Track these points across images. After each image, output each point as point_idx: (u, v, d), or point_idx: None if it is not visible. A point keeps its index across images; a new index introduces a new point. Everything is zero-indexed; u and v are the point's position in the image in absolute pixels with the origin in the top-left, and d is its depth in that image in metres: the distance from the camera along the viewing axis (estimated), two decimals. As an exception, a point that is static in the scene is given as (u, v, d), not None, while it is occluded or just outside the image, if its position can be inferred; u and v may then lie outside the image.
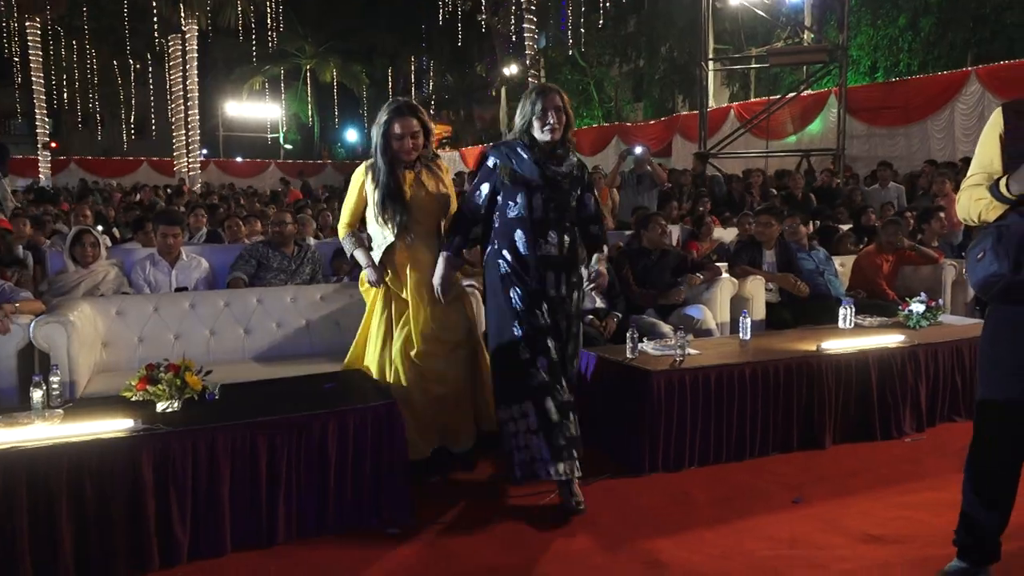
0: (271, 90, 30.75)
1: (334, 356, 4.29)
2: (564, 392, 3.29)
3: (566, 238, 3.34)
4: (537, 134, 3.32)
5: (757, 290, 5.40)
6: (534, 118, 3.30)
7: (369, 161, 3.57)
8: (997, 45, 14.55)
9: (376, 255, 3.58)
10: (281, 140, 32.55)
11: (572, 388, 3.39)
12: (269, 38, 25.18)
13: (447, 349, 3.55)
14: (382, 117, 3.45)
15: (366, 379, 3.53)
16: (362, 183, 3.57)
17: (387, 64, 30.70)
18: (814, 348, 4.14)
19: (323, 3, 28.29)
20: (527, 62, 21.78)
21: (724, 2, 16.24)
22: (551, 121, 3.27)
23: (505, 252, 3.32)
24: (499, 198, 3.38)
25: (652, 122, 20.87)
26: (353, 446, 3.04)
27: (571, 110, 3.35)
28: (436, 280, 3.46)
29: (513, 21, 22.72)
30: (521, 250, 3.30)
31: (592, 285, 3.51)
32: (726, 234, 7.31)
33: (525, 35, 21.28)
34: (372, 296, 3.66)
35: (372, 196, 3.51)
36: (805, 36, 15.41)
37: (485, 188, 3.41)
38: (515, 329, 3.28)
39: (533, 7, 20.98)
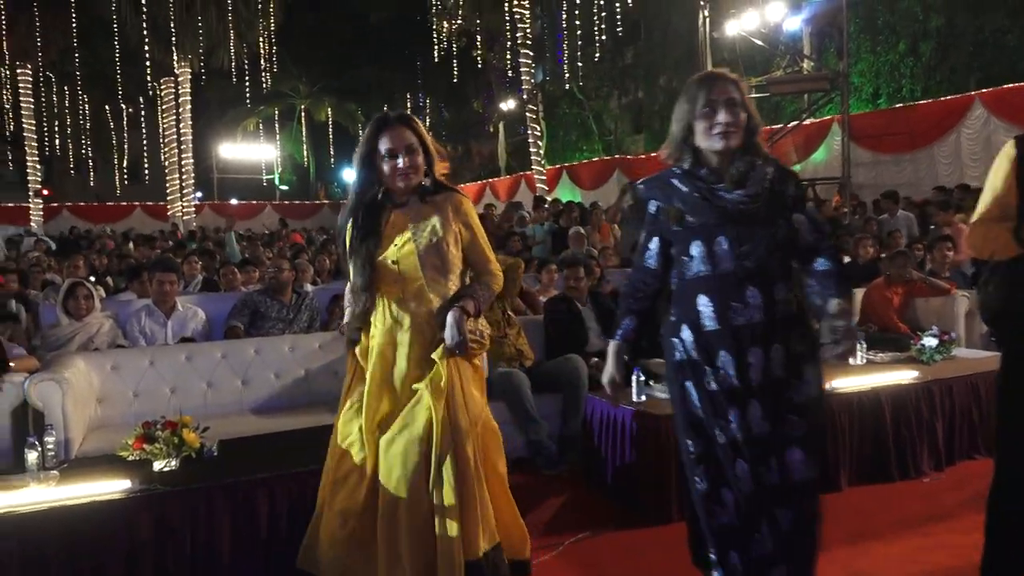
0: (265, 131, 31.09)
1: (334, 406, 4.28)
2: (770, 541, 2.29)
3: (776, 292, 2.29)
4: (702, 142, 2.32)
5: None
6: (696, 120, 2.31)
7: (350, 204, 2.71)
8: (998, 68, 14.73)
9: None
10: (276, 181, 32.82)
11: (807, 540, 2.34)
12: (263, 79, 25.54)
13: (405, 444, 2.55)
14: (364, 136, 2.66)
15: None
16: (343, 233, 2.71)
17: (382, 101, 31.07)
18: (825, 387, 4.14)
19: (316, 42, 28.72)
20: (524, 96, 22.04)
21: (721, 32, 16.49)
22: (722, 120, 2.25)
23: (684, 329, 2.35)
24: (673, 252, 2.41)
25: (654, 154, 21.05)
26: (355, 501, 3.03)
27: (752, 106, 2.33)
28: (606, 378, 2.62)
29: (509, 56, 23.04)
30: (706, 324, 2.30)
31: (836, 347, 2.30)
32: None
33: (522, 69, 21.56)
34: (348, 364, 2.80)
35: (351, 252, 2.66)
36: (805, 64, 15.63)
37: (655, 244, 2.46)
38: (689, 445, 2.37)
39: (529, 41, 21.29)
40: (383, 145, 2.60)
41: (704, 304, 2.31)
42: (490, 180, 25.95)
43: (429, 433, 2.50)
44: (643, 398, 3.98)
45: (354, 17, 27.07)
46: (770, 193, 2.31)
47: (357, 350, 2.72)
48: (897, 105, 16.08)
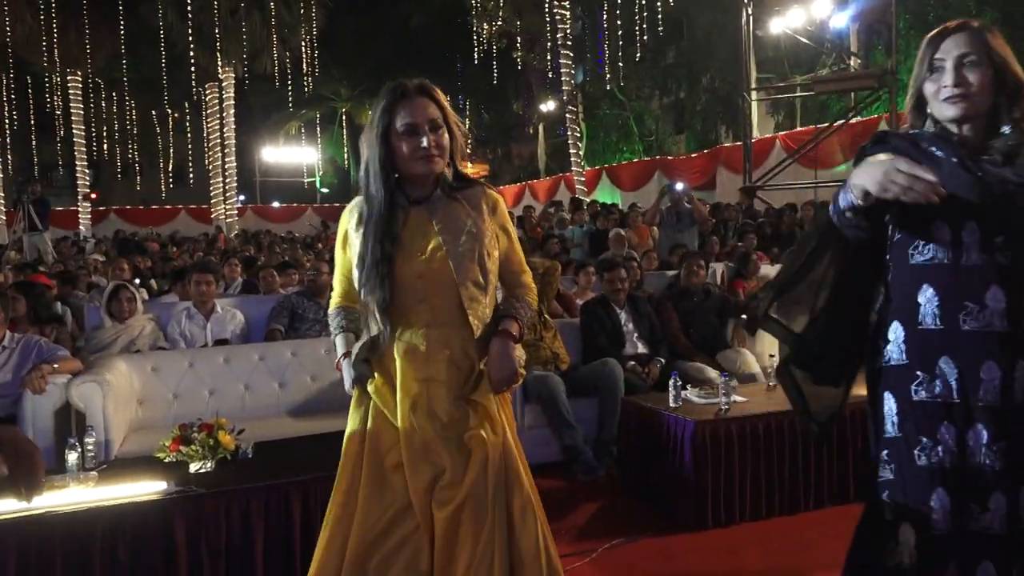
0: (307, 134, 31.56)
1: (315, 414, 4.35)
2: None
3: None
4: (935, 110, 1.87)
5: (807, 331, 5.32)
6: (925, 80, 1.86)
7: (357, 200, 2.19)
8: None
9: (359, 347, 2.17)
10: (318, 184, 33.27)
11: None
12: (305, 83, 25.92)
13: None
14: (376, 110, 2.10)
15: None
16: (343, 239, 2.21)
17: (423, 104, 31.38)
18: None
19: (357, 46, 29.06)
20: (564, 97, 22.03)
21: (766, 30, 16.29)
22: (948, 83, 1.81)
23: (894, 327, 1.86)
24: (892, 233, 1.89)
25: (695, 155, 20.87)
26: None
27: (1012, 62, 1.84)
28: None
29: (549, 57, 23.05)
30: (926, 320, 1.82)
31: None
32: (775, 271, 7.24)
33: (562, 70, 21.55)
34: (351, 412, 2.24)
35: (355, 251, 2.15)
36: (852, 62, 15.35)
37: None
38: (883, 470, 1.85)
39: (569, 42, 21.27)
40: (401, 120, 2.04)
41: (928, 297, 1.81)
42: (529, 182, 25.97)
43: (490, 496, 2.07)
44: (680, 403, 3.94)
45: (395, 20, 27.34)
46: None
47: (371, 388, 2.14)
48: (949, 102, 15.72)
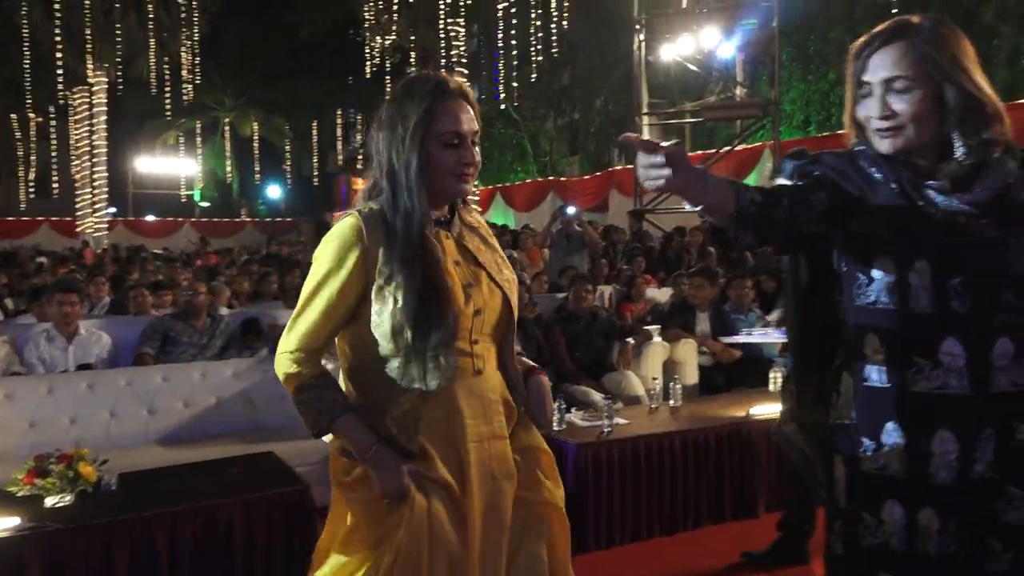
0: (187, 144, 30.54)
1: (247, 435, 4.29)
2: None
3: (998, 352, 1.52)
4: (869, 135, 1.60)
5: (689, 354, 5.58)
6: (856, 103, 1.60)
7: (367, 208, 1.76)
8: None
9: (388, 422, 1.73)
10: (197, 197, 32.21)
11: None
12: (185, 91, 25.13)
13: None
14: (406, 107, 1.72)
15: (275, 463, 3.52)
16: (356, 261, 1.70)
17: (312, 117, 30.89)
18: (744, 414, 4.30)
19: (243, 55, 28.42)
20: (458, 115, 22.20)
21: (657, 56, 16.96)
22: (875, 113, 1.55)
23: (844, 378, 1.66)
24: (839, 265, 1.65)
25: (588, 177, 21.44)
26: (262, 537, 3.02)
27: (970, 72, 1.52)
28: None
29: (444, 72, 23.20)
30: (873, 377, 1.59)
31: None
32: (661, 295, 7.54)
33: (456, 88, 21.73)
34: (367, 512, 1.72)
35: (388, 290, 1.68)
36: (738, 91, 16.18)
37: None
38: (834, 543, 1.69)
39: (464, 60, 21.50)
40: (443, 125, 1.71)
41: (874, 348, 1.58)
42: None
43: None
44: (564, 426, 4.06)
45: (284, 29, 26.90)
46: (1004, 202, 1.51)
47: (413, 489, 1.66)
48: (826, 133, 16.78)
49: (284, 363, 1.74)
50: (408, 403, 1.68)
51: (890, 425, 1.57)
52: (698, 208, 1.44)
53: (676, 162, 1.36)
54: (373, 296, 1.69)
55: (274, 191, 35.77)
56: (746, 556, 3.60)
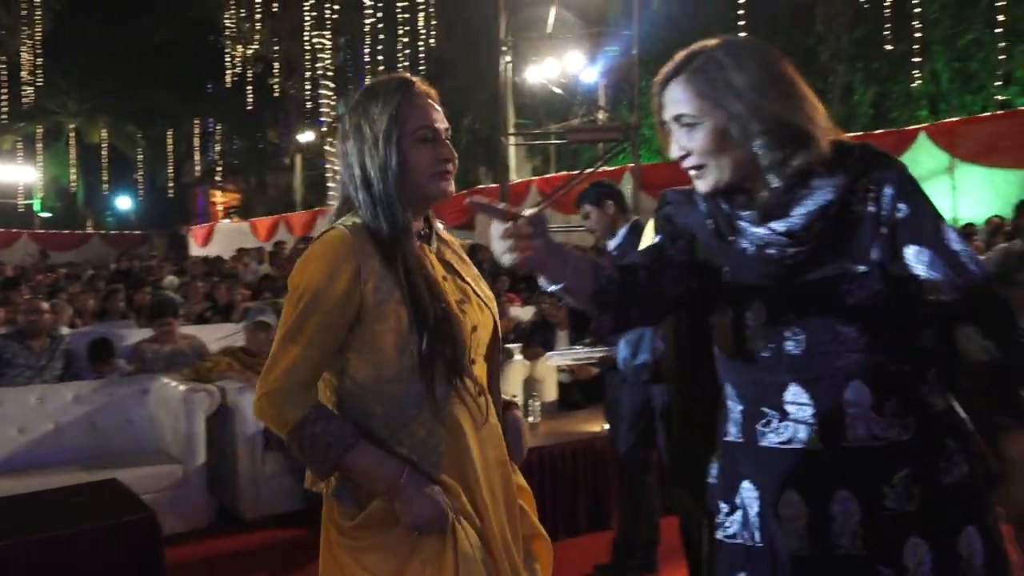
0: (26, 150, 28.58)
1: (87, 463, 4.12)
2: None
3: (851, 398, 1.33)
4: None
5: (548, 372, 5.76)
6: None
7: (350, 223, 1.60)
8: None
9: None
10: (37, 207, 30.16)
11: None
12: (24, 92, 23.59)
13: None
14: (373, 109, 1.60)
15: (120, 490, 3.40)
16: (350, 277, 1.54)
17: (167, 125, 29.63)
18: (599, 428, 4.49)
19: (91, 57, 26.93)
20: (324, 129, 21.93)
21: (523, 78, 17.38)
22: (675, 153, 1.44)
23: (718, 433, 1.52)
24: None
25: (455, 194, 21.59)
26: (107, 568, 2.91)
27: (779, 86, 1.36)
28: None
29: (308, 86, 22.86)
30: (732, 432, 1.46)
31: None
32: (525, 313, 7.72)
33: (321, 101, 21.48)
34: (386, 557, 1.54)
35: (388, 307, 1.55)
36: (600, 115, 16.80)
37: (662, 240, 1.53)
38: None
39: (330, 73, 21.29)
40: (415, 121, 1.59)
41: (732, 398, 1.45)
42: (285, 215, 25.37)
43: None
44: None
45: (138, 33, 25.70)
46: (837, 223, 1.32)
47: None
48: (683, 158, 17.66)
49: (274, 402, 1.52)
50: (423, 428, 1.54)
51: (744, 484, 1.40)
52: (555, 287, 1.32)
53: (540, 232, 1.23)
54: (370, 317, 1.53)
55: (124, 202, 33.99)
56: (598, 569, 3.75)
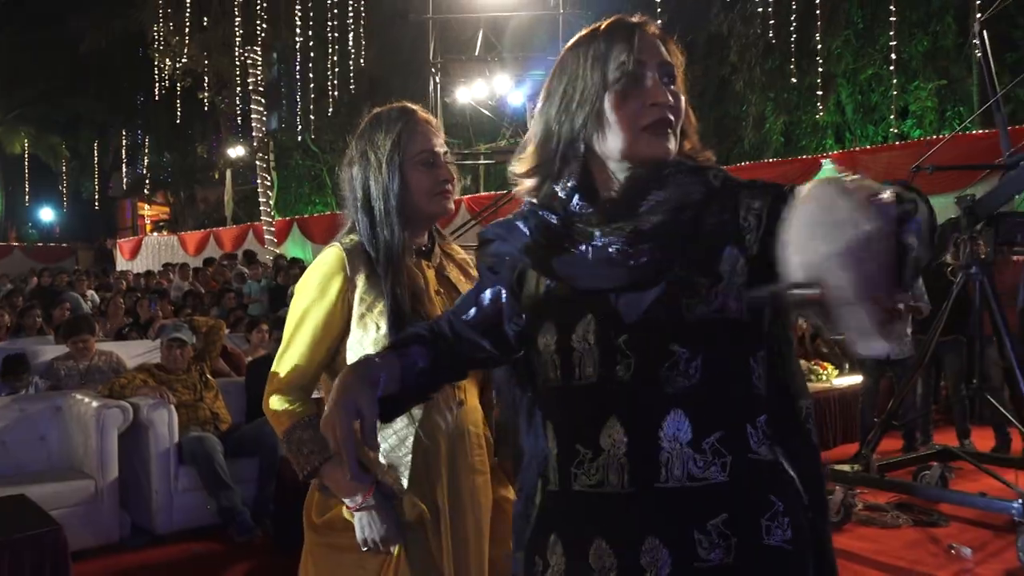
0: (-58, 160, 27.53)
1: (-2, 481, 4.10)
2: None
3: (671, 433, 1.14)
4: (621, 145, 1.18)
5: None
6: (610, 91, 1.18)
7: (347, 241, 1.74)
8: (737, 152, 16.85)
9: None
10: (-47, 218, 29.04)
11: None
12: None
13: None
14: (377, 135, 1.72)
15: (27, 505, 3.42)
16: (340, 290, 1.69)
17: (92, 137, 28.87)
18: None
19: (11, 66, 26.10)
20: (255, 144, 21.71)
21: (453, 98, 17.58)
22: (661, 98, 1.18)
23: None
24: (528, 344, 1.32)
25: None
26: (10, 581, 2.95)
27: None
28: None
29: (239, 101, 22.60)
30: (550, 475, 1.26)
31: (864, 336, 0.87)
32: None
33: (252, 116, 21.26)
34: (330, 562, 1.70)
35: (370, 317, 1.67)
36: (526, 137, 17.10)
37: (488, 294, 1.35)
38: None
39: (261, 88, 21.11)
40: (417, 145, 1.70)
41: (551, 439, 1.26)
42: (215, 229, 24.99)
43: None
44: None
45: (63, 42, 25.02)
46: (691, 225, 1.16)
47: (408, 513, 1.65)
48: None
49: (274, 402, 1.68)
50: (396, 436, 1.64)
51: (552, 538, 1.23)
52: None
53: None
54: (354, 325, 1.66)
55: (47, 214, 32.93)
56: None
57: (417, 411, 1.62)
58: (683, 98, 1.23)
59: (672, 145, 1.20)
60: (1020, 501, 3.84)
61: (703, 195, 1.17)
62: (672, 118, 1.20)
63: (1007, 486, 4.07)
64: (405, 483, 1.64)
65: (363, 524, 1.59)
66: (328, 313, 1.68)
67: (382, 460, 1.65)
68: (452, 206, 1.78)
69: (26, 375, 5.07)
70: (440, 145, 1.75)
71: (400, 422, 1.63)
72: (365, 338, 1.65)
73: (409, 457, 1.64)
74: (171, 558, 4.29)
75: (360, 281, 1.68)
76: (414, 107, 1.78)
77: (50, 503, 3.62)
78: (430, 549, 1.63)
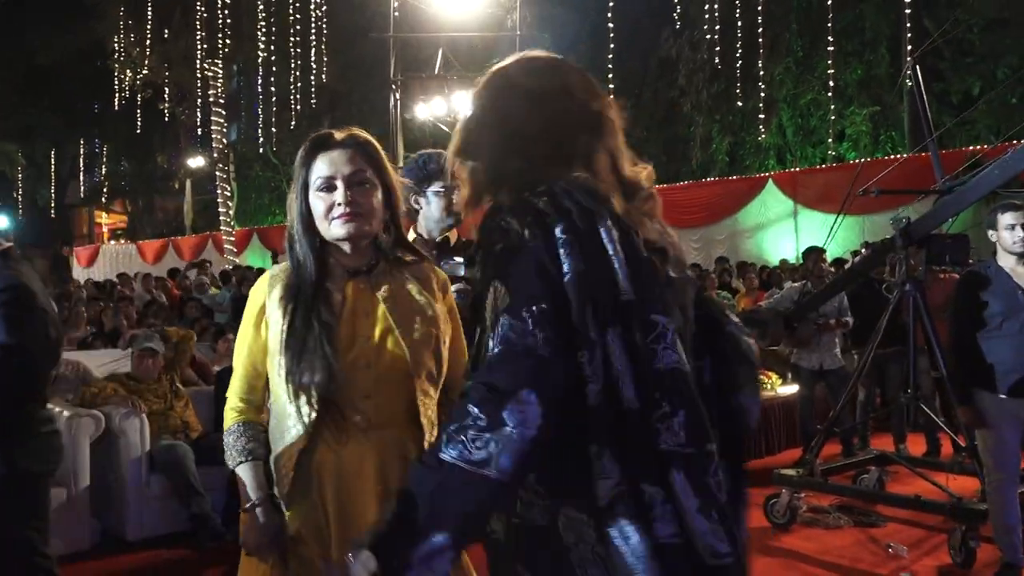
0: None
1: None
2: None
3: None
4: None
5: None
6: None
7: (282, 264, 1.82)
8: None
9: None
10: (-96, 224, 28.01)
11: None
12: None
13: None
14: (297, 165, 1.79)
15: None
16: (259, 309, 1.78)
17: (50, 146, 28.15)
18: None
19: (-33, 74, 25.38)
20: (215, 155, 21.43)
21: (413, 114, 17.61)
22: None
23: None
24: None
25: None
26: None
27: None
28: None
29: (200, 112, 22.30)
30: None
31: None
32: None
33: (213, 127, 21.00)
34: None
35: (276, 336, 1.72)
36: (485, 152, 17.20)
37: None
38: None
39: (222, 100, 20.87)
40: (316, 173, 1.73)
41: None
42: (174, 238, 24.58)
43: None
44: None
45: (19, 52, 24.36)
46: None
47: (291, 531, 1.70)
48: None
49: (225, 410, 1.81)
50: (286, 453, 1.67)
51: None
52: None
53: None
54: (270, 343, 1.73)
55: (1, 221, 31.98)
56: None
57: (299, 426, 1.65)
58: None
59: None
60: (951, 502, 4.03)
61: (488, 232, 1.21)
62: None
63: (939, 488, 4.25)
64: (285, 494, 1.68)
65: (246, 530, 1.72)
66: (252, 331, 1.78)
67: (272, 471, 1.70)
68: (354, 229, 1.70)
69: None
70: (343, 165, 1.71)
71: (292, 436, 1.65)
72: (273, 355, 1.72)
73: (291, 474, 1.66)
74: (142, 564, 4.24)
75: (274, 302, 1.74)
76: (329, 133, 1.78)
77: None
78: (314, 564, 1.65)
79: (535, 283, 1.07)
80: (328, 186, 1.71)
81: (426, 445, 1.66)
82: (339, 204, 1.69)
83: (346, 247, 1.75)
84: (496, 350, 1.07)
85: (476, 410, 1.03)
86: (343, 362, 1.65)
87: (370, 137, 1.80)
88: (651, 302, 1.12)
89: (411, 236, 2.77)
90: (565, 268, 1.08)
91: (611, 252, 1.11)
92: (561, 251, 1.09)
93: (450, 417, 1.08)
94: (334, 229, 1.71)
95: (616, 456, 1.07)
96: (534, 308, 1.06)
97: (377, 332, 1.70)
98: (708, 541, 1.07)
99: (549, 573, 1.10)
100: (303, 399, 1.63)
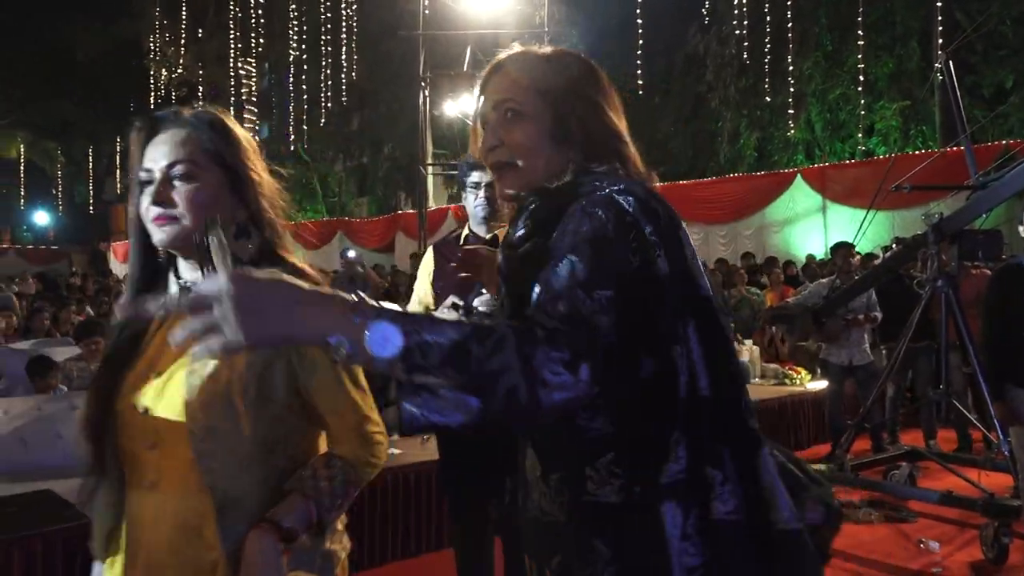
0: (-62, 163, 27.22)
1: (21, 476, 4.11)
2: None
3: (527, 465, 1.23)
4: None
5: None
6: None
7: None
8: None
9: None
10: (-51, 220, 28.70)
11: None
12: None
13: None
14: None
15: (54, 499, 3.45)
16: None
17: (87, 143, 28.63)
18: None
19: (8, 72, 25.87)
20: (247, 152, 21.66)
21: (441, 111, 17.64)
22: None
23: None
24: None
25: (376, 219, 21.65)
26: (43, 574, 2.98)
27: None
28: None
29: (233, 110, 22.53)
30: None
31: None
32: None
33: (245, 125, 21.19)
34: None
35: None
36: (512, 148, 17.21)
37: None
38: None
39: (254, 98, 21.10)
40: (135, 162, 1.34)
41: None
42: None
43: None
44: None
45: (58, 48, 24.81)
46: (535, 246, 1.14)
47: None
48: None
49: None
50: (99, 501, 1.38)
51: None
52: None
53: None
54: None
55: (42, 217, 32.61)
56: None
57: (112, 479, 1.34)
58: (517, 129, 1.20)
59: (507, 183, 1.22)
60: (983, 498, 3.99)
61: (547, 213, 1.14)
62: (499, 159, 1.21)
63: (971, 484, 4.21)
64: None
65: None
66: None
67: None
68: (166, 235, 1.31)
69: (52, 377, 5.05)
70: (163, 156, 1.31)
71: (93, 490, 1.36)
72: None
73: (94, 523, 1.38)
74: None
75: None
76: (148, 117, 1.36)
77: (73, 497, 3.64)
78: None
79: (613, 275, 1.04)
80: (144, 180, 1.32)
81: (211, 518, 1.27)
82: (155, 203, 1.30)
83: (186, 257, 1.35)
84: (562, 310, 1.00)
85: (557, 354, 0.96)
86: (123, 402, 1.32)
87: (213, 112, 1.37)
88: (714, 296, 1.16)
89: (464, 233, 2.75)
90: (660, 267, 1.08)
91: (689, 255, 1.14)
92: (653, 252, 1.08)
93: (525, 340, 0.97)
94: (154, 234, 1.33)
95: (689, 443, 1.09)
96: (609, 292, 1.02)
97: (169, 368, 1.31)
98: (786, 512, 1.11)
99: (635, 547, 1.09)
100: (82, 437, 1.33)
